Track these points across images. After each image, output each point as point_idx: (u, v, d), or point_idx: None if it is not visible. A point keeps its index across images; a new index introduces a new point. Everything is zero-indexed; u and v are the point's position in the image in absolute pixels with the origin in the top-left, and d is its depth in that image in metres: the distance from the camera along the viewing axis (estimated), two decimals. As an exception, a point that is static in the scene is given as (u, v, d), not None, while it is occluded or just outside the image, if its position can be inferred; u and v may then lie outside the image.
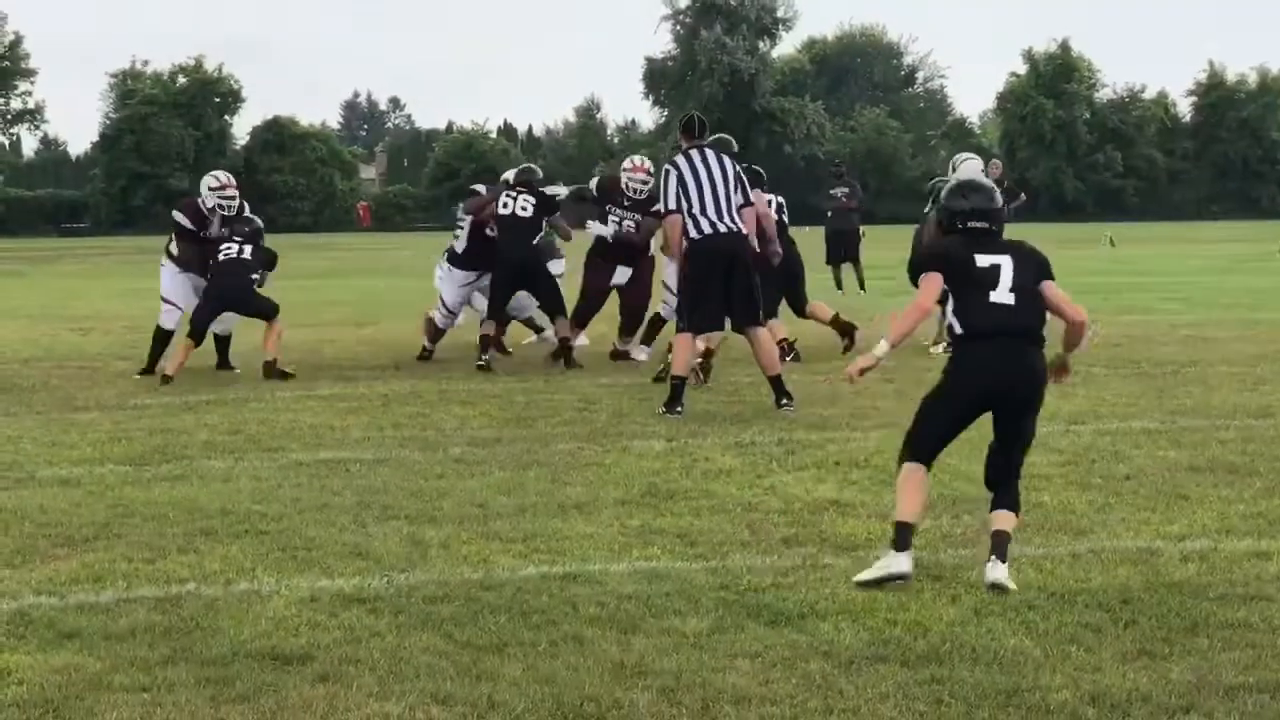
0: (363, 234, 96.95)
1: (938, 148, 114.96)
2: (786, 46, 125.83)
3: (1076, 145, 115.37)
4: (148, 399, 15.57)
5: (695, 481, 11.02)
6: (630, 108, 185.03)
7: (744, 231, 14.65)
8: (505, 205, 18.27)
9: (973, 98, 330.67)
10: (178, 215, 18.43)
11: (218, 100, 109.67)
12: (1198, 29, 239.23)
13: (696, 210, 14.45)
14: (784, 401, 14.35)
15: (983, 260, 8.42)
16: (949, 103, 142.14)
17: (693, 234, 14.48)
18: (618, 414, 14.34)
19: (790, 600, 7.88)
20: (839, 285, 32.15)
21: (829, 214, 33.54)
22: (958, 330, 8.43)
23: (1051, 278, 8.55)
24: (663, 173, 14.97)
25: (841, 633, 7.35)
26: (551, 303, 18.44)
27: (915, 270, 8.84)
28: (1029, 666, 6.88)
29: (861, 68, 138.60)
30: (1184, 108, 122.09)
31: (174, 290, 18.14)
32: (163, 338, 17.91)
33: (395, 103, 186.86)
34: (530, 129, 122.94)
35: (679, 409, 14.11)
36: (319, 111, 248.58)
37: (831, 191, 33.67)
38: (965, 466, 10.89)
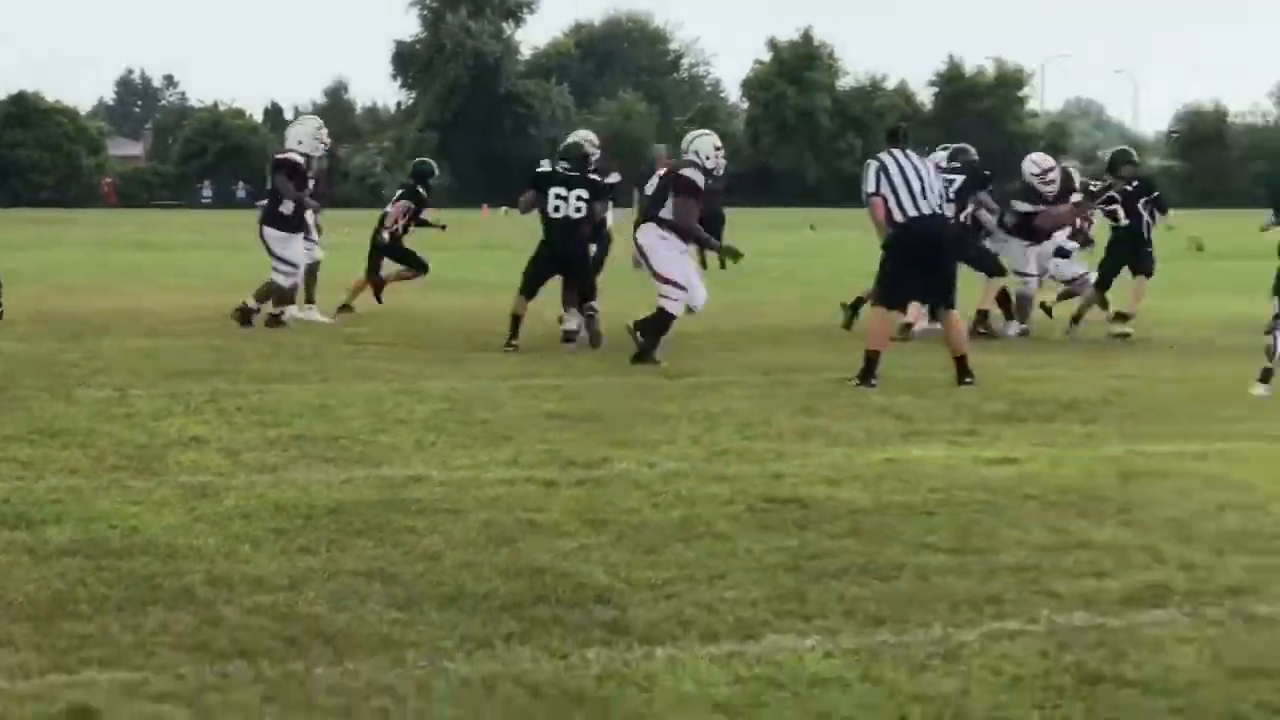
0: (108, 210, 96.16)
1: (683, 132, 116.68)
2: (553, 30, 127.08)
3: (818, 132, 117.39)
4: None
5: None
6: (378, 90, 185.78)
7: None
8: (557, 209, 17.66)
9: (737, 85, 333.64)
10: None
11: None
12: (938, 21, 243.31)
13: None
14: (966, 380, 15.22)
15: None
16: (720, 90, 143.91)
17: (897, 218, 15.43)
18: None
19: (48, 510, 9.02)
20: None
21: None
22: None
23: None
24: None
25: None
26: (585, 289, 18.03)
27: None
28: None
29: (628, 53, 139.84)
30: (925, 98, 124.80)
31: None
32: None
33: (169, 80, 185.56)
34: (277, 108, 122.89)
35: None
36: (92, 88, 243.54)
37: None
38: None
